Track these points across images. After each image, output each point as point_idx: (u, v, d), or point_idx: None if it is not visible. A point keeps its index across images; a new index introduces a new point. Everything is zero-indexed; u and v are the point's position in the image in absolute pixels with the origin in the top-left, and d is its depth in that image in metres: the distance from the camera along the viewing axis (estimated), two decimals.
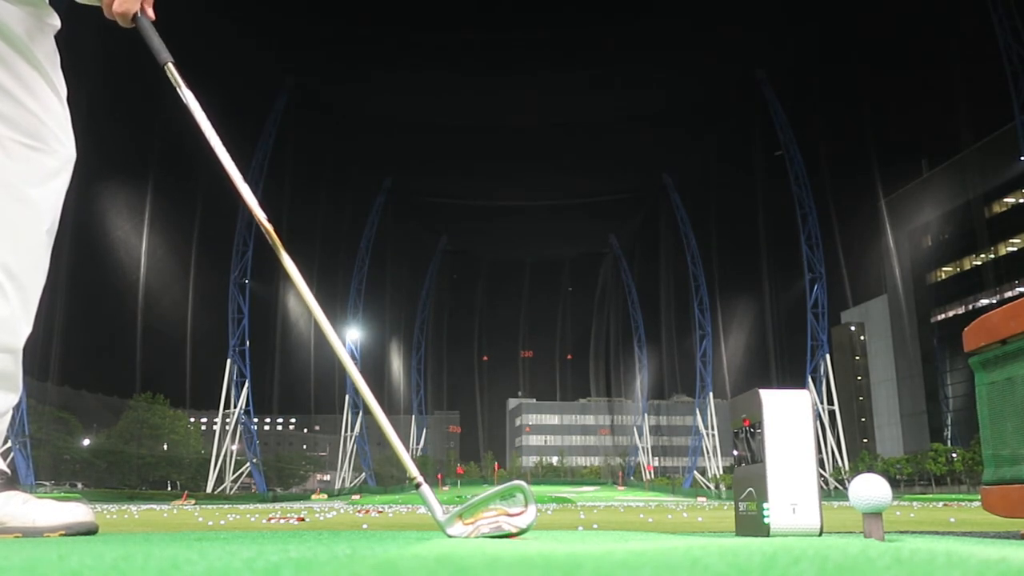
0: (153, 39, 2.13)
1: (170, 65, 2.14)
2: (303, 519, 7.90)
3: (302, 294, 2.02)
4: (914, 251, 78.08)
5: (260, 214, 2.07)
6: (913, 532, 2.36)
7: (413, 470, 1.82)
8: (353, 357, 71.76)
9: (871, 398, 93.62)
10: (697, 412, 70.51)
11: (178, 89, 2.13)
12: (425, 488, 1.78)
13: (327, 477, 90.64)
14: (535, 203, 75.67)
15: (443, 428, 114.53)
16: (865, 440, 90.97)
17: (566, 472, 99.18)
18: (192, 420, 75.22)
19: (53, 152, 2.09)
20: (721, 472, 67.66)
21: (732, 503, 2.07)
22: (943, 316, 74.95)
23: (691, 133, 67.33)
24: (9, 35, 2.00)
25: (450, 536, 1.68)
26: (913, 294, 77.68)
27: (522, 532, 1.63)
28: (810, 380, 56.86)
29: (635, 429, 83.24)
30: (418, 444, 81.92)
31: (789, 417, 1.83)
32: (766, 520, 1.76)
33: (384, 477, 74.81)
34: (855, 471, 53.95)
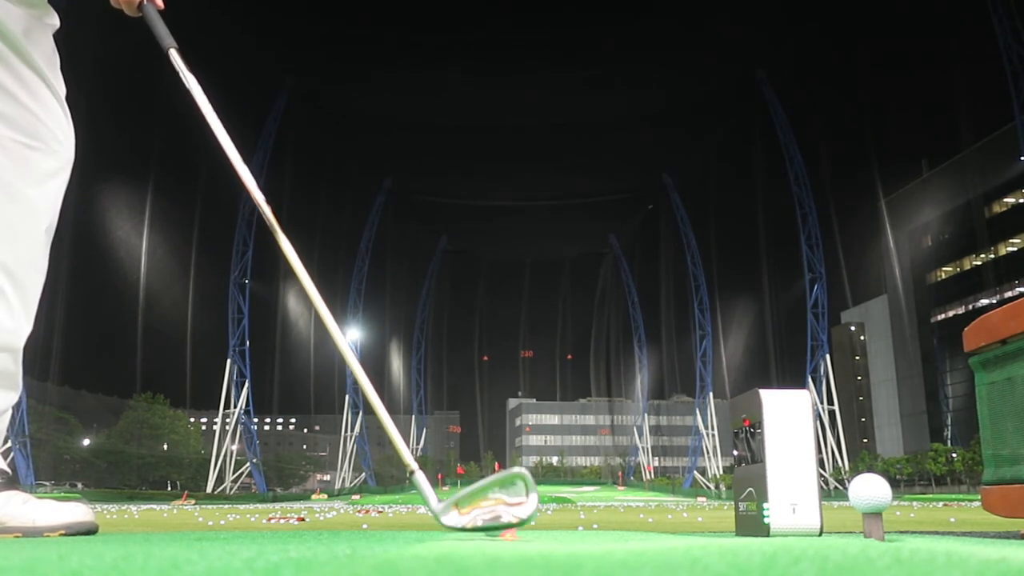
0: (158, 26, 2.12)
1: (173, 51, 2.13)
2: (303, 519, 7.90)
3: (301, 279, 1.99)
4: (914, 251, 78.08)
5: (259, 196, 2.06)
6: (913, 532, 2.36)
7: (409, 459, 1.79)
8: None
9: (871, 398, 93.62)
10: (697, 412, 70.50)
11: (181, 75, 2.13)
12: (419, 476, 1.72)
13: (327, 477, 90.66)
14: (535, 203, 75.67)
15: (443, 428, 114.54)
16: (865, 440, 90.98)
17: (566, 472, 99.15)
18: (192, 420, 75.22)
19: (52, 152, 2.08)
20: (721, 472, 67.64)
21: (732, 503, 2.07)
22: (943, 316, 74.95)
23: (691, 133, 67.34)
24: (8, 35, 2.00)
25: (444, 525, 1.61)
26: (913, 294, 77.68)
27: (523, 523, 1.53)
28: (810, 380, 56.85)
29: (635, 429, 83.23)
30: (418, 444, 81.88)
31: (789, 417, 1.83)
32: (766, 520, 1.76)
33: (384, 477, 74.81)
34: (855, 471, 53.95)
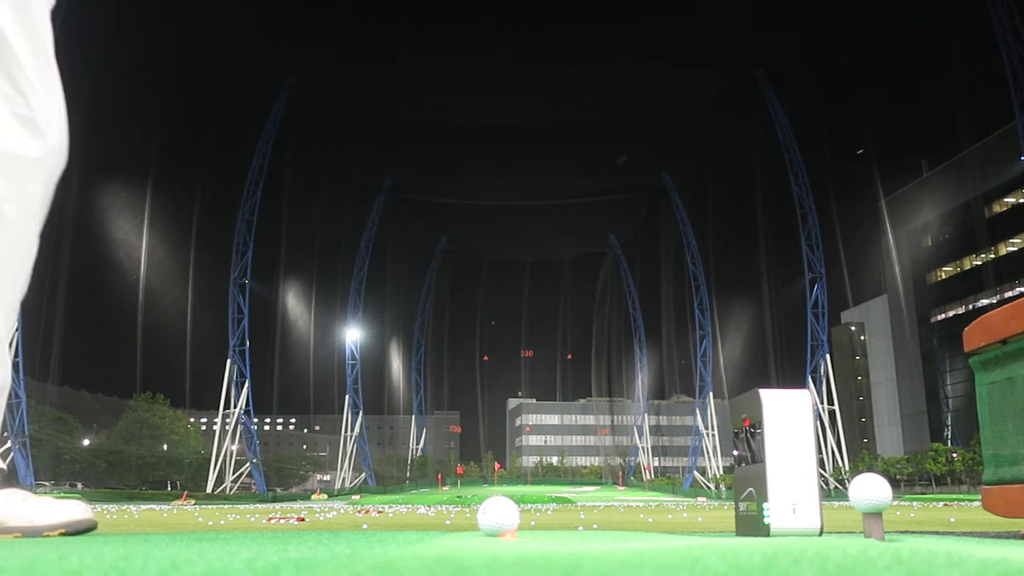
0: None
1: None
2: (303, 519, 7.91)
3: None
4: (914, 251, 78.09)
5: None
6: (913, 532, 2.35)
7: None
8: (353, 357, 72.07)
9: (871, 398, 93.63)
10: (697, 412, 70.51)
11: None
12: None
13: (327, 477, 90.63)
14: (535, 203, 75.65)
15: (443, 428, 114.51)
16: (865, 440, 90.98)
17: (566, 472, 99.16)
18: (192, 420, 75.20)
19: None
20: (721, 472, 67.65)
21: (732, 503, 2.07)
22: (943, 316, 74.97)
23: (691, 133, 67.31)
24: None
25: None
26: (913, 294, 77.70)
27: None
28: (810, 380, 56.84)
29: (635, 429, 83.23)
30: (418, 444, 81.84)
31: (789, 417, 1.83)
32: (766, 520, 1.76)
33: (384, 477, 74.83)
34: (855, 471, 53.94)
